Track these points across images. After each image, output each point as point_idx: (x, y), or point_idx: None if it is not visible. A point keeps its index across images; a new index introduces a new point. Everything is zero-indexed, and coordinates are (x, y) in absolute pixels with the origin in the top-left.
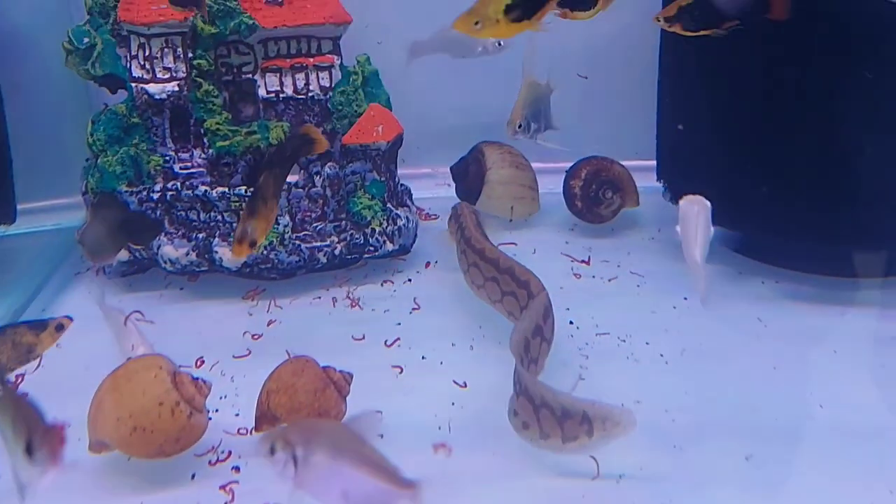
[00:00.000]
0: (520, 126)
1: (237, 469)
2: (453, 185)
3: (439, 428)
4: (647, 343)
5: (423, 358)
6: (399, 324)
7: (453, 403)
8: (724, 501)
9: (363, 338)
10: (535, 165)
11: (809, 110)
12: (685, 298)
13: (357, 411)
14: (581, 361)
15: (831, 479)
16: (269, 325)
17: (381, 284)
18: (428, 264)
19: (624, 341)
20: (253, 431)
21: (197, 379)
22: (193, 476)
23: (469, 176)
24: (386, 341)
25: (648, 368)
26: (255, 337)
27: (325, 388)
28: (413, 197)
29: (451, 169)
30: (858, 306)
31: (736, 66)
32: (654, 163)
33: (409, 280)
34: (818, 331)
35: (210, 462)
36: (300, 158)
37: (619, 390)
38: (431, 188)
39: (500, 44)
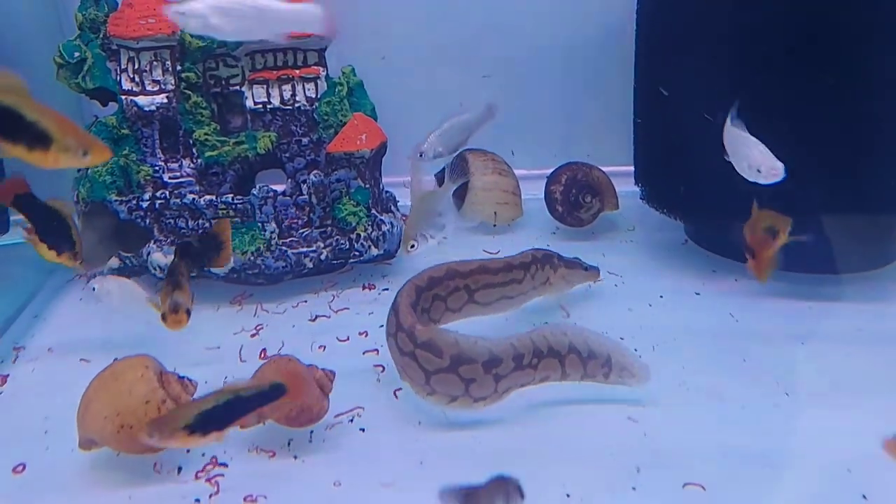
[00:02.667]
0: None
1: (223, 465)
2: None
3: (419, 423)
4: (621, 338)
5: None
6: (382, 325)
7: None
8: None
9: (347, 339)
10: (517, 172)
11: (782, 114)
12: (661, 297)
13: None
14: None
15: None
16: (255, 328)
17: (363, 288)
18: None
19: None
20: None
21: (183, 378)
22: (180, 470)
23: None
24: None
25: None
26: (244, 337)
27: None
28: (398, 204)
29: (435, 176)
30: (827, 301)
31: (710, 70)
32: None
33: (392, 284)
34: (787, 325)
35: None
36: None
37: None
38: None
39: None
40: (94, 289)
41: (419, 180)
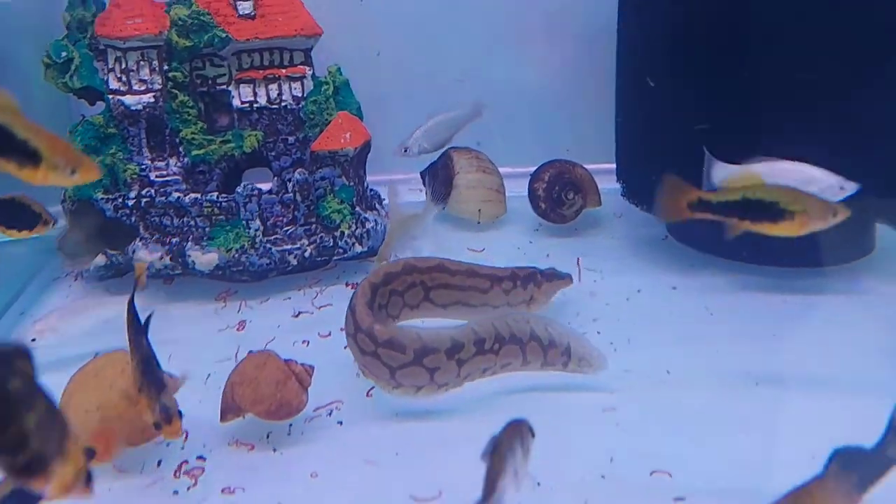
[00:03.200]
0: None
1: (202, 458)
2: (424, 190)
3: (396, 415)
4: (598, 332)
5: None
6: None
7: None
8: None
9: (329, 335)
10: (501, 169)
11: (761, 108)
12: (638, 291)
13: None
14: None
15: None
16: (239, 323)
17: (346, 285)
18: None
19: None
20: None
21: (164, 373)
22: (160, 463)
23: (437, 180)
24: None
25: None
26: (230, 334)
27: (287, 379)
28: (383, 201)
29: (420, 174)
30: (802, 294)
31: (691, 69)
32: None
33: None
34: (761, 318)
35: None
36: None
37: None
38: (403, 193)
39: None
40: (33, 339)
41: (397, 202)
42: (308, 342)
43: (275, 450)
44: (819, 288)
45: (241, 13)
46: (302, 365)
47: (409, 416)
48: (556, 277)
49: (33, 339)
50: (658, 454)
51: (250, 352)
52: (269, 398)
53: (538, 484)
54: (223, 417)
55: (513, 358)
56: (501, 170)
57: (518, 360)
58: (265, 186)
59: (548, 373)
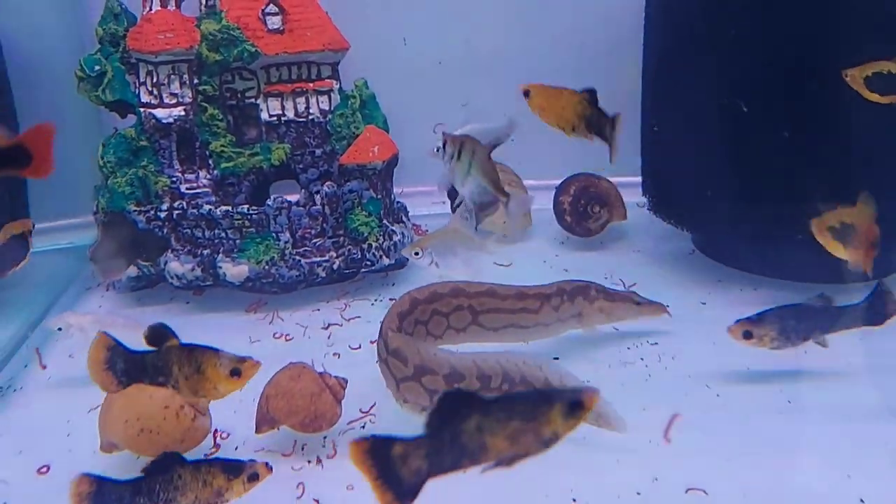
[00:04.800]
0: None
1: None
2: (448, 202)
3: None
4: (627, 348)
5: None
6: None
7: None
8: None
9: (359, 347)
10: (527, 182)
11: (788, 128)
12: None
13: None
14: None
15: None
16: (271, 335)
17: (373, 303)
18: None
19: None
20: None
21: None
22: None
23: None
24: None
25: (625, 372)
26: (258, 346)
27: (321, 392)
28: (409, 214)
29: (448, 191)
30: None
31: (716, 85)
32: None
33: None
34: None
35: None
36: None
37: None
38: (427, 205)
39: None
40: (59, 329)
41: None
42: (339, 354)
43: (309, 461)
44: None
45: (270, 28)
46: (336, 378)
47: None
48: (626, 300)
49: (59, 329)
50: (694, 471)
51: (291, 363)
52: (303, 410)
53: (573, 500)
54: (258, 429)
55: None
56: (527, 182)
57: None
58: (292, 198)
59: None
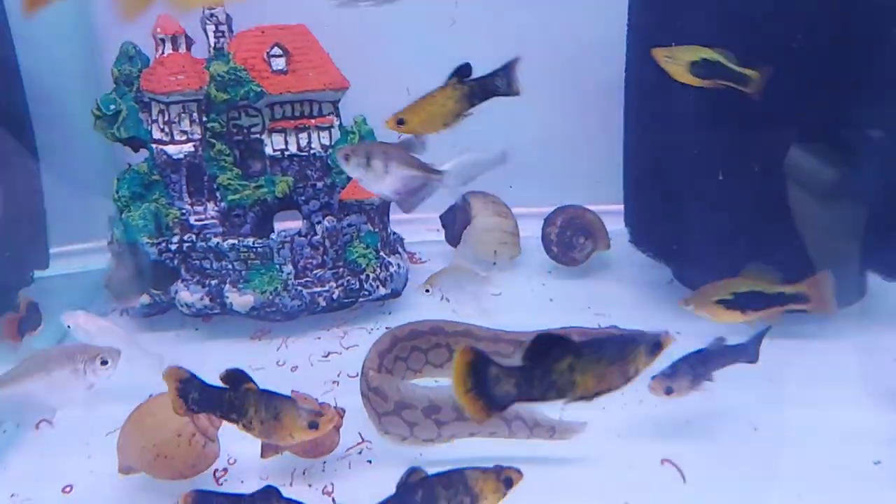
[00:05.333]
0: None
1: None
2: (442, 230)
3: (420, 455)
4: None
5: None
6: None
7: None
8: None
9: (356, 375)
10: (515, 210)
11: (769, 157)
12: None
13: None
14: None
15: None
16: (275, 363)
17: (370, 332)
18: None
19: None
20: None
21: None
22: None
23: (457, 223)
24: None
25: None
26: (262, 373)
27: None
28: (405, 243)
29: (440, 217)
30: (795, 338)
31: (694, 117)
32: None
33: (397, 322)
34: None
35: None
36: None
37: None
38: (422, 233)
39: None
40: (68, 327)
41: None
42: (337, 382)
43: (310, 485)
44: (813, 333)
45: (274, 69)
46: (335, 407)
47: (432, 458)
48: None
49: (69, 326)
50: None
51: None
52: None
53: None
54: (264, 454)
55: (498, 429)
56: (515, 210)
57: (504, 431)
58: (294, 226)
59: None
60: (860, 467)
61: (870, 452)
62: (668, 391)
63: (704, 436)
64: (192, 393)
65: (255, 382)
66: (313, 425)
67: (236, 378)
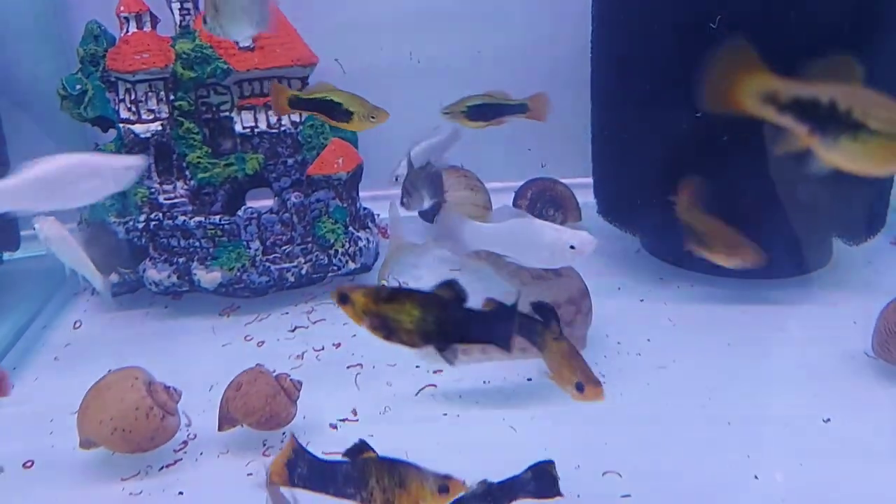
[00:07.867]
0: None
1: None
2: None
3: (385, 410)
4: None
5: (373, 367)
6: (354, 335)
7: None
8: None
9: (322, 349)
10: (489, 185)
11: (722, 139)
12: (609, 302)
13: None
14: None
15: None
16: (243, 337)
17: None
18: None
19: None
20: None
21: (169, 387)
22: (168, 466)
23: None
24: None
25: None
26: (229, 348)
27: (276, 394)
28: (376, 218)
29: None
30: (759, 304)
31: (656, 90)
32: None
33: None
34: (719, 329)
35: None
36: None
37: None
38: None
39: None
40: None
41: (398, 225)
42: (302, 357)
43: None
44: (777, 298)
45: (241, 46)
46: (291, 380)
47: (394, 421)
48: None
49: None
50: (611, 456)
51: (253, 367)
52: (259, 411)
53: None
54: (220, 427)
55: None
56: (489, 184)
57: None
58: (266, 204)
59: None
60: (811, 424)
61: (822, 411)
62: None
63: (662, 396)
64: (300, 468)
65: (374, 450)
66: (444, 489)
67: (357, 449)
